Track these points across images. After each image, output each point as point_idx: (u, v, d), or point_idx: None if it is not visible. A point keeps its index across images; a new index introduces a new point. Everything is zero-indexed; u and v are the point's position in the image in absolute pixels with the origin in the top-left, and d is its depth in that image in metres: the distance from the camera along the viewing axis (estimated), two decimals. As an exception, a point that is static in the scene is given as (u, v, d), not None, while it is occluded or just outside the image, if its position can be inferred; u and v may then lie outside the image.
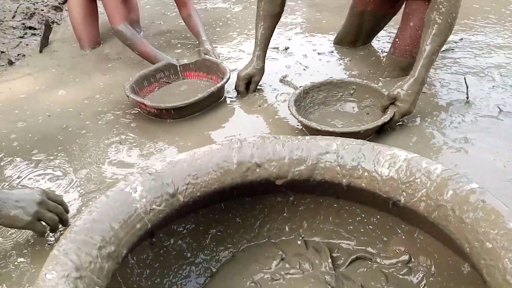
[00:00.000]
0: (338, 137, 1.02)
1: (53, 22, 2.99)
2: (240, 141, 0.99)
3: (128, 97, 1.76)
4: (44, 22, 2.81)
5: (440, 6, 1.49)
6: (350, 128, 1.45)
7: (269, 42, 1.89)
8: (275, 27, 1.87)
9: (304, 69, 2.12)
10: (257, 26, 1.85)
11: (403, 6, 1.97)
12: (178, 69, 2.04)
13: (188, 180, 0.89)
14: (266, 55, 1.91)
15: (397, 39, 1.92)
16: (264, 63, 1.90)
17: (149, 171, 0.85)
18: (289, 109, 1.54)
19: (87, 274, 0.67)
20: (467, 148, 1.45)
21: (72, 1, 2.49)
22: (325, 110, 1.72)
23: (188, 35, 2.61)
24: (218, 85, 1.82)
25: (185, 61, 2.07)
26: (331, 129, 1.40)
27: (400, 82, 1.54)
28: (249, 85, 1.92)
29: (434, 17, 1.50)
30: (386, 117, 1.48)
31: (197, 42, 2.40)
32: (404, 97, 1.50)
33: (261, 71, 1.90)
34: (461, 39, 2.29)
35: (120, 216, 0.76)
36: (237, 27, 2.76)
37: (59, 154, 1.61)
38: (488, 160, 1.39)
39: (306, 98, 1.69)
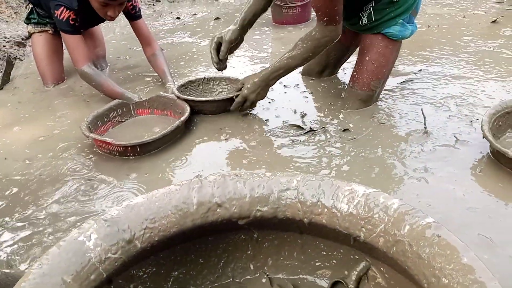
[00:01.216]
0: (298, 173, 1.02)
1: (15, 58, 2.95)
2: (200, 180, 0.98)
3: (87, 137, 1.73)
4: (5, 58, 2.76)
5: (310, 41, 1.73)
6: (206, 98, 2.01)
7: (253, 18, 1.93)
8: (261, 10, 1.94)
9: (269, 102, 2.15)
10: (245, 5, 1.93)
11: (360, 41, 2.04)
12: (131, 107, 2.03)
13: (146, 224, 0.87)
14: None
15: (355, 73, 1.98)
16: (243, 32, 1.94)
17: (104, 217, 0.83)
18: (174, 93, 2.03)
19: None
20: (427, 177, 1.49)
21: (35, 37, 2.46)
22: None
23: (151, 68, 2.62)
24: (182, 118, 1.84)
25: (142, 97, 2.08)
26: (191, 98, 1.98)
27: (253, 74, 1.90)
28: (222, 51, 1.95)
29: (299, 43, 1.77)
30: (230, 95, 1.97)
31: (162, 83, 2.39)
32: (248, 85, 1.86)
33: (235, 33, 1.90)
34: (420, 70, 2.38)
35: (73, 268, 0.73)
36: (201, 61, 2.79)
37: (13, 198, 1.55)
38: (448, 189, 1.42)
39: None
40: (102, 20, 2.50)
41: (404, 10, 1.82)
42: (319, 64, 2.32)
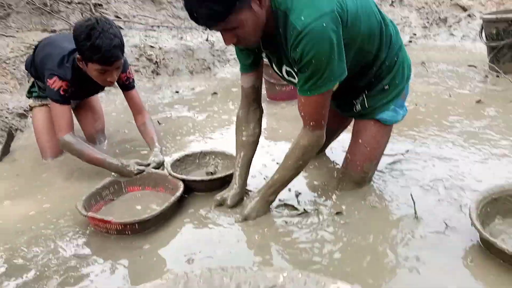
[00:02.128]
0: (285, 269, 1.04)
1: (16, 130, 3.02)
2: (186, 275, 1.00)
3: (85, 216, 1.76)
4: (7, 130, 2.84)
5: (297, 150, 1.76)
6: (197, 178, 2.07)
7: (248, 169, 2.00)
8: (253, 154, 2.01)
9: (264, 179, 2.20)
10: (237, 155, 1.99)
11: (352, 122, 2.13)
12: (122, 184, 2.07)
13: (138, 327, 0.88)
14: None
15: (348, 155, 2.05)
16: (243, 190, 1.98)
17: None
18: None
19: None
20: (419, 267, 1.50)
21: (36, 111, 2.55)
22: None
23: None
24: (177, 194, 1.89)
25: (123, 161, 2.12)
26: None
27: (249, 199, 1.87)
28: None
29: (289, 154, 1.80)
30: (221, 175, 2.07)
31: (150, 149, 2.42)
32: (248, 204, 1.84)
33: (236, 197, 1.94)
34: (407, 150, 2.46)
35: None
36: (198, 135, 2.88)
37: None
38: (441, 282, 1.43)
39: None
40: (97, 91, 2.60)
41: (395, 95, 1.92)
42: None
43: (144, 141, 2.46)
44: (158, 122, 3.13)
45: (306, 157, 1.78)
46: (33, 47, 4.03)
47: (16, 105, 3.25)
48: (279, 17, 1.55)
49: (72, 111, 2.30)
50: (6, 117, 3.06)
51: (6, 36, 4.22)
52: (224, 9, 1.40)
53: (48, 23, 4.79)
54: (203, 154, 2.36)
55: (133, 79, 2.47)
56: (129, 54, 4.33)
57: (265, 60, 1.88)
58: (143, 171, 2.12)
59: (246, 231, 1.76)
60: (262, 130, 2.90)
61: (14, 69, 3.71)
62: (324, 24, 1.47)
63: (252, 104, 1.96)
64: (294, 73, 1.74)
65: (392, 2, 6.59)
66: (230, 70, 4.69)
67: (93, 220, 1.78)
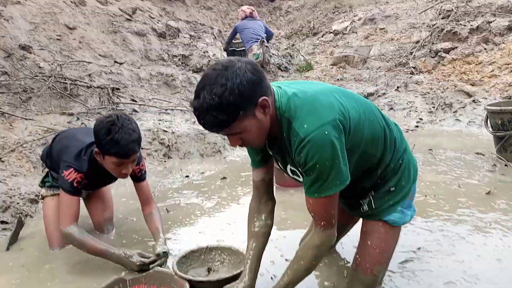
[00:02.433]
0: None
1: (26, 216, 3.05)
2: None
3: None
4: (17, 217, 2.86)
5: (310, 250, 1.73)
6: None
7: (260, 261, 1.96)
8: (265, 246, 1.98)
9: (272, 278, 2.15)
10: (248, 246, 1.97)
11: (361, 221, 2.12)
12: (128, 283, 2.04)
13: None
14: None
15: (357, 256, 2.01)
16: (254, 283, 1.92)
17: None
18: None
19: None
20: None
21: (47, 200, 2.59)
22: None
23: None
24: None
25: (126, 252, 2.12)
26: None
27: None
28: None
29: (301, 254, 1.76)
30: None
31: (154, 240, 2.42)
32: None
33: None
34: (419, 248, 2.42)
35: None
36: (205, 225, 2.87)
37: None
38: None
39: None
40: (110, 182, 2.66)
41: (401, 197, 1.92)
42: None
43: (150, 231, 2.47)
44: (166, 210, 3.15)
45: (318, 257, 1.77)
46: (50, 130, 4.21)
47: (29, 189, 3.30)
48: (284, 123, 1.63)
49: (81, 201, 2.34)
50: (17, 203, 3.09)
51: (26, 119, 4.40)
52: (228, 118, 1.47)
53: (67, 106, 5.00)
54: (209, 250, 2.34)
55: (145, 171, 2.55)
56: (143, 137, 4.44)
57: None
58: (146, 263, 2.10)
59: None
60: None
61: (30, 152, 3.82)
62: (326, 132, 1.53)
63: (263, 195, 1.98)
64: (298, 173, 1.77)
65: (398, 87, 6.82)
66: (240, 153, 4.77)
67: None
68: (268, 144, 1.78)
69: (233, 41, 7.34)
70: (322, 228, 1.71)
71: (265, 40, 6.80)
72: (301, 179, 1.77)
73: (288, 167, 1.82)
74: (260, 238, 1.97)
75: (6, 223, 2.89)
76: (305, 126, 1.54)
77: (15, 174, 3.61)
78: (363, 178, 1.87)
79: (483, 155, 4.38)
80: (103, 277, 2.14)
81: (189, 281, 1.99)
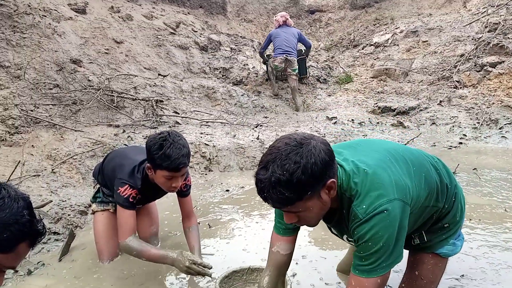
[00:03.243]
0: None
1: (76, 227, 3.20)
2: None
3: None
4: (69, 228, 3.01)
5: None
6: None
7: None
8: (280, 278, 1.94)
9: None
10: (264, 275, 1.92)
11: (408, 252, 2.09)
12: None
13: None
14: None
15: (403, 285, 1.99)
16: None
17: None
18: None
19: None
20: None
21: (98, 215, 2.72)
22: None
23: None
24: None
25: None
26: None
27: None
28: None
29: None
30: None
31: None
32: None
33: None
34: (463, 275, 2.37)
35: None
36: (246, 245, 2.91)
37: None
38: None
39: None
40: (160, 196, 2.77)
41: (455, 231, 1.90)
42: None
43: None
44: (208, 225, 3.23)
45: None
46: (99, 143, 4.40)
47: (78, 200, 3.47)
48: (344, 200, 1.59)
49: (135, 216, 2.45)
50: (68, 215, 3.26)
51: (76, 130, 4.62)
52: (294, 196, 1.41)
53: (113, 117, 5.22)
54: (251, 270, 2.38)
55: (190, 186, 2.63)
56: (185, 150, 4.59)
57: None
58: (196, 262, 2.22)
59: None
60: (310, 240, 2.95)
61: (80, 164, 4.01)
62: (386, 212, 1.48)
63: (282, 273, 1.89)
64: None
65: (441, 101, 6.68)
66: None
67: None
68: (324, 218, 1.72)
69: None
70: None
71: (293, 54, 6.82)
72: None
73: (345, 236, 1.79)
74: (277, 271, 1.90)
75: (58, 233, 3.05)
76: (364, 206, 1.51)
77: (66, 185, 3.80)
78: (417, 224, 1.81)
79: (531, 176, 4.23)
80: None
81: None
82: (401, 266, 2.01)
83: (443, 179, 1.81)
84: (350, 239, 1.77)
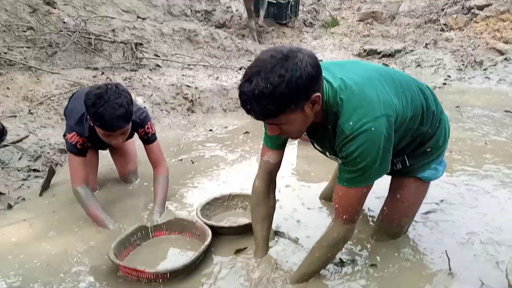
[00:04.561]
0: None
1: (56, 165, 3.15)
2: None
3: (118, 265, 1.81)
4: (48, 166, 2.96)
5: (326, 242, 1.68)
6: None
7: (269, 239, 1.97)
8: (271, 225, 1.97)
9: (297, 221, 2.21)
10: (256, 230, 1.93)
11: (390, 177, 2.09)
12: (149, 230, 2.12)
13: None
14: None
15: (385, 208, 2.02)
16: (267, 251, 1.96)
17: None
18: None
19: None
20: (450, 326, 1.46)
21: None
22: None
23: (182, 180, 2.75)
24: (206, 243, 1.91)
25: (121, 227, 2.23)
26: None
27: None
28: None
29: (317, 247, 1.71)
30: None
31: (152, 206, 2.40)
32: None
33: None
34: (442, 200, 2.42)
35: None
36: (228, 176, 2.92)
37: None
38: None
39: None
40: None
41: (437, 156, 1.90)
42: None
43: (179, 179, 2.51)
44: (191, 161, 3.20)
45: (334, 250, 1.72)
46: (76, 84, 4.28)
47: (58, 140, 3.39)
48: (329, 116, 1.56)
49: (107, 154, 2.37)
50: (48, 153, 3.19)
51: (53, 73, 4.47)
52: (277, 109, 1.39)
53: (92, 60, 5.05)
54: (232, 197, 2.39)
55: (152, 133, 2.47)
56: (166, 92, 4.48)
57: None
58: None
59: (280, 275, 1.77)
60: (293, 172, 2.96)
61: (58, 105, 3.90)
62: (373, 129, 1.47)
63: (272, 179, 1.93)
64: (338, 158, 1.69)
65: (427, 44, 6.61)
66: (263, 110, 4.76)
67: (125, 269, 1.81)
68: (308, 132, 1.71)
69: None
70: (343, 222, 1.64)
71: None
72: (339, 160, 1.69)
73: (327, 152, 1.80)
74: (270, 218, 1.95)
75: (38, 171, 3.00)
76: (351, 123, 1.48)
77: (44, 125, 3.71)
78: (401, 146, 1.80)
79: (512, 112, 4.27)
80: (127, 223, 2.26)
81: (211, 227, 2.05)
82: (383, 193, 2.05)
83: (429, 104, 1.78)
84: (331, 155, 1.77)
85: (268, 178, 1.90)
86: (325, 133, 1.62)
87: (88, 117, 2.15)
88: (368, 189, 1.60)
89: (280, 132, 1.52)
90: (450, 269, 1.76)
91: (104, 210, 2.33)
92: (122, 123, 2.07)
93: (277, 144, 1.83)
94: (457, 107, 4.47)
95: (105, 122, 2.03)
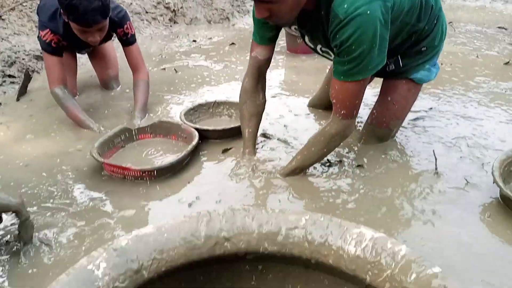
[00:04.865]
0: (307, 212, 1.02)
1: (33, 71, 3.01)
2: (209, 213, 0.99)
3: (102, 163, 1.76)
4: (24, 71, 2.82)
5: (323, 137, 1.64)
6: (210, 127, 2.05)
7: (256, 137, 1.93)
8: (259, 123, 1.92)
9: (284, 126, 2.18)
10: (244, 127, 1.89)
11: (381, 81, 2.03)
12: (133, 132, 2.06)
13: (154, 255, 0.87)
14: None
15: (374, 111, 1.98)
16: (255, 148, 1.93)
17: (113, 247, 0.84)
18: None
19: None
20: (434, 220, 1.48)
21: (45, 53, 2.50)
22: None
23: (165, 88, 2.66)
24: (194, 143, 1.87)
25: (102, 128, 2.18)
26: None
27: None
28: None
29: (314, 141, 1.67)
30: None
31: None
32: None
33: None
34: (431, 108, 2.39)
35: (81, 296, 0.74)
36: (213, 84, 2.84)
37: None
38: (454, 234, 1.42)
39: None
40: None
41: (431, 56, 1.84)
42: (327, 100, 2.32)
43: (163, 85, 2.41)
44: (175, 70, 3.09)
45: (331, 145, 1.67)
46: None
47: (33, 47, 3.21)
48: (322, 1, 1.44)
49: (86, 58, 2.23)
50: (23, 59, 3.03)
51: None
52: None
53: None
54: (217, 104, 2.32)
55: (132, 34, 2.30)
56: (147, 1, 4.22)
57: (293, 30, 1.75)
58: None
59: (265, 175, 1.76)
60: (281, 82, 2.88)
61: (31, 12, 3.65)
62: (368, 12, 1.36)
63: (262, 75, 1.86)
64: (331, 52, 1.62)
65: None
66: (250, 21, 4.55)
67: (109, 167, 1.77)
68: (298, 22, 1.61)
69: None
70: (341, 117, 1.58)
71: None
72: (331, 57, 1.61)
73: (319, 46, 1.68)
74: (259, 116, 1.91)
75: (13, 77, 2.86)
76: (345, 6, 1.36)
77: (18, 33, 3.50)
78: (396, 43, 1.71)
79: (505, 29, 4.17)
80: (109, 127, 2.19)
81: (195, 129, 2.00)
82: (371, 101, 2.00)
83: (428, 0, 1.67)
84: (323, 50, 1.68)
85: (257, 74, 1.83)
86: (317, 22, 1.52)
87: (61, 11, 1.98)
88: (365, 82, 1.53)
89: (270, 14, 1.41)
90: (436, 169, 1.76)
91: (84, 112, 2.25)
92: (98, 17, 1.91)
93: (265, 39, 1.74)
94: (450, 22, 4.34)
95: (80, 15, 1.86)
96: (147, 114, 2.30)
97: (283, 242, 0.99)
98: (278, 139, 2.05)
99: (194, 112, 2.24)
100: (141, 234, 0.89)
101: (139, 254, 0.86)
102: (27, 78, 2.73)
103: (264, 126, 2.14)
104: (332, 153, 1.90)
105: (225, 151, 1.96)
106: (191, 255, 0.93)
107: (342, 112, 1.57)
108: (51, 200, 1.63)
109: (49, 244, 1.39)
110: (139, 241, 0.88)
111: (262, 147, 1.99)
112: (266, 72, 1.87)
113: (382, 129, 1.96)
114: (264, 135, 2.09)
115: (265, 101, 1.92)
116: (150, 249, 0.88)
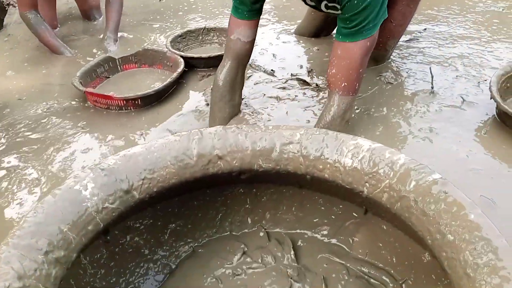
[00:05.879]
0: (302, 127, 0.99)
1: (8, 4, 2.84)
2: (200, 132, 0.95)
3: (84, 92, 1.69)
4: (-2, 4, 2.67)
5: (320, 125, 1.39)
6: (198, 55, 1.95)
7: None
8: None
9: (273, 55, 2.10)
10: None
11: None
12: (117, 62, 1.97)
13: (144, 175, 0.84)
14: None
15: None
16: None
17: (100, 167, 0.80)
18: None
19: (32, 283, 0.61)
20: (431, 137, 1.46)
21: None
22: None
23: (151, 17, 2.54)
24: (179, 70, 1.82)
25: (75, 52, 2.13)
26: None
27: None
28: None
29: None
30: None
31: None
32: None
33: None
34: (425, 29, 2.30)
35: (69, 217, 0.71)
36: (200, 11, 2.71)
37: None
38: (451, 150, 1.41)
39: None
40: None
41: None
42: (316, 27, 2.22)
43: (150, 14, 2.32)
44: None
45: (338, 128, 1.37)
46: None
47: (6, -21, 3.01)
48: None
49: None
50: (-3, -9, 2.85)
51: None
52: None
53: None
54: (207, 31, 2.22)
55: None
56: None
57: None
58: None
59: (256, 102, 1.71)
60: (272, 6, 2.73)
61: None
62: None
63: (242, 68, 1.56)
64: (337, 5, 1.36)
65: None
66: None
67: (92, 96, 1.70)
68: None
69: None
70: (341, 92, 1.35)
71: None
72: (338, 12, 1.36)
73: (324, 2, 1.43)
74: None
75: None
76: None
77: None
78: None
79: None
80: (91, 56, 2.12)
81: (182, 57, 1.92)
82: None
83: None
84: (329, 5, 1.43)
85: (236, 66, 1.53)
86: None
87: None
88: (372, 42, 1.32)
89: None
90: (432, 87, 1.72)
91: (58, 39, 2.17)
92: None
93: (250, 12, 1.43)
94: None
95: None
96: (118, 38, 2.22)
97: (278, 158, 0.96)
98: (265, 71, 1.96)
99: (182, 39, 2.15)
100: (130, 154, 0.86)
101: (129, 174, 0.83)
102: (2, 11, 2.58)
103: (253, 55, 2.05)
104: (321, 78, 1.85)
105: (202, 78, 1.91)
106: (184, 174, 0.90)
107: (343, 85, 1.34)
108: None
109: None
110: (127, 160, 0.84)
111: (250, 77, 1.92)
112: (247, 63, 1.58)
113: (379, 50, 1.88)
114: (252, 66, 2.00)
115: (241, 101, 1.64)
116: (140, 168, 0.85)
